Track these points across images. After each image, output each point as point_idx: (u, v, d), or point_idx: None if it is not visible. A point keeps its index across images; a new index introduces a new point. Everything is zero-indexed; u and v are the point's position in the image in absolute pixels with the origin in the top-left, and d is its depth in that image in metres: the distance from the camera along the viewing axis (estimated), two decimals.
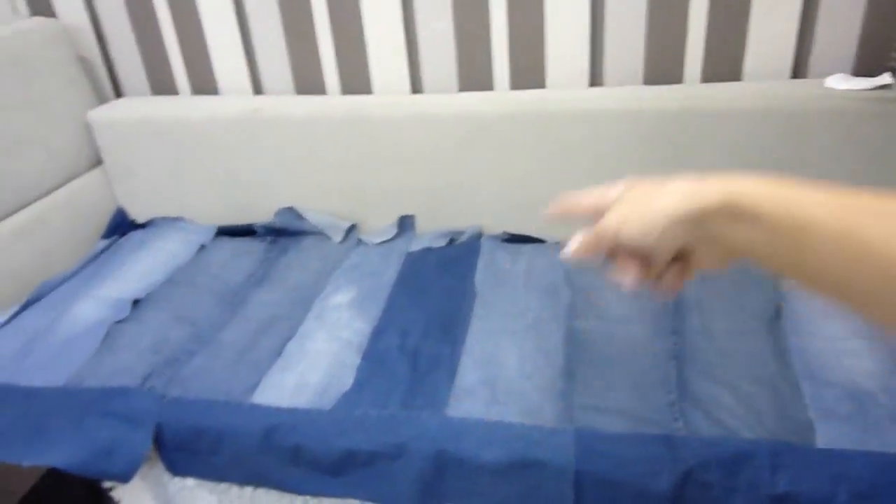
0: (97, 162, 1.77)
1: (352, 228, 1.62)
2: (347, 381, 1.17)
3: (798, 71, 1.44)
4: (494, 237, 1.55)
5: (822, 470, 0.92)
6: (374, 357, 1.22)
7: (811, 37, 1.41)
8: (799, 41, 1.42)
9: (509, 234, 1.55)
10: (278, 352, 1.27)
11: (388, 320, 1.31)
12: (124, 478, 1.12)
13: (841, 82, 1.34)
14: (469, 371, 1.17)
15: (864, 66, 1.41)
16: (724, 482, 0.94)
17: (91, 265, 1.59)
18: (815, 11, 1.38)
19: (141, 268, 1.57)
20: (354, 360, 1.22)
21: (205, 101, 1.72)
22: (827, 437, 0.99)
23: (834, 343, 1.16)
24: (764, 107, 1.35)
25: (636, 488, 0.96)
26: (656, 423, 1.04)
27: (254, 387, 1.19)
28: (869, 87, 1.31)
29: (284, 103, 1.63)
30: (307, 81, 1.70)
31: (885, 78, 1.32)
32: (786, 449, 0.95)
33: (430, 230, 1.59)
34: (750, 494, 0.93)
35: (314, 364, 1.22)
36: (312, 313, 1.36)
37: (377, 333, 1.28)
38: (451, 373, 1.17)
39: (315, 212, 1.64)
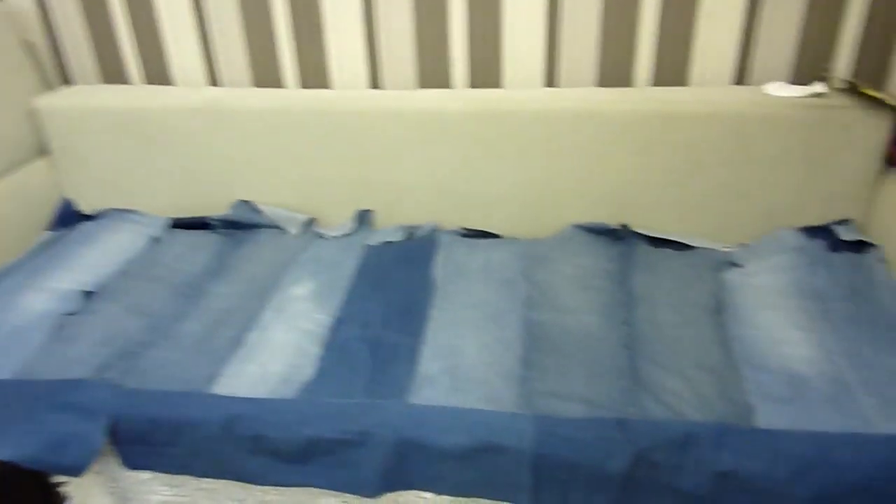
0: (42, 151, 1.72)
1: (309, 222, 1.63)
2: (309, 371, 1.18)
3: (740, 78, 1.53)
4: (451, 232, 1.58)
5: (763, 448, 0.98)
6: (335, 347, 1.23)
7: (752, 46, 1.49)
8: (741, 50, 1.50)
9: (466, 229, 1.58)
10: (237, 343, 1.26)
11: (348, 311, 1.33)
12: (77, 471, 1.10)
13: (779, 90, 1.43)
14: (430, 360, 1.19)
15: (801, 75, 1.50)
16: (672, 461, 0.99)
17: (39, 257, 1.54)
18: (758, 22, 1.47)
19: (92, 259, 1.53)
20: (316, 350, 1.23)
21: (159, 90, 1.69)
22: (766, 418, 1.06)
23: (772, 332, 1.23)
24: (709, 111, 1.42)
25: (592, 470, 1.00)
26: (611, 408, 1.09)
27: (213, 378, 1.19)
28: (804, 94, 1.40)
29: (242, 95, 1.62)
30: (265, 74, 1.69)
31: (819, 86, 1.41)
32: (729, 430, 1.01)
33: (389, 225, 1.61)
34: (696, 472, 0.98)
35: (275, 355, 1.23)
36: (271, 305, 1.36)
37: (338, 324, 1.29)
38: (412, 362, 1.19)
39: (271, 206, 1.63)
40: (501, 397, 1.11)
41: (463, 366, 1.18)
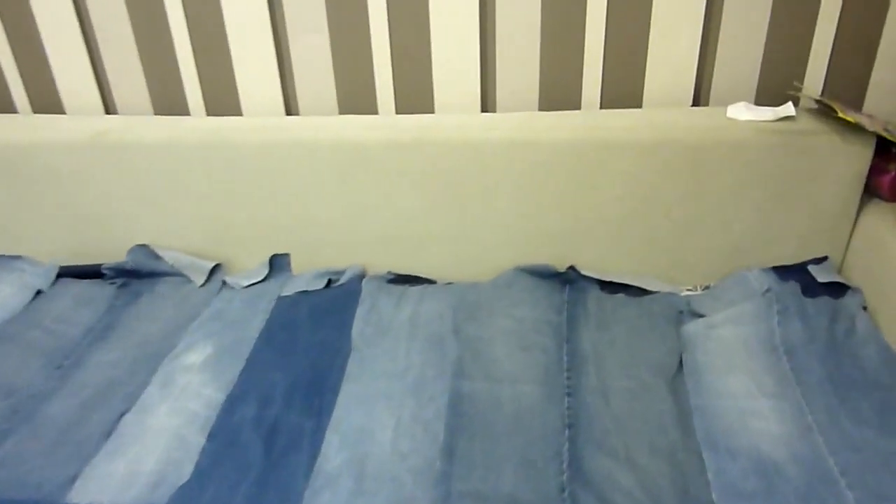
0: None
1: (216, 269, 1.43)
2: (187, 469, 0.99)
3: (699, 98, 1.35)
4: (378, 278, 1.38)
5: None
6: (222, 436, 1.04)
7: (712, 63, 1.32)
8: (699, 67, 1.32)
9: (395, 273, 1.39)
10: (109, 430, 1.06)
11: (245, 385, 1.13)
12: None
13: (743, 112, 1.25)
14: (334, 451, 1.00)
15: (767, 94, 1.32)
16: None
17: None
18: (716, 36, 1.29)
19: None
20: (199, 439, 1.03)
21: (45, 121, 1.48)
22: None
23: (738, 402, 1.05)
24: (662, 138, 1.24)
25: None
26: None
27: (73, 479, 0.98)
28: (772, 118, 1.22)
29: (136, 125, 1.42)
30: (166, 100, 1.49)
31: (789, 108, 1.23)
32: None
33: (307, 270, 1.42)
34: None
35: (150, 447, 1.03)
36: (158, 378, 1.16)
37: (230, 403, 1.10)
38: (313, 454, 1.00)
39: (174, 251, 1.43)
40: (415, 501, 0.92)
41: (372, 457, 0.99)
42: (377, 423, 1.04)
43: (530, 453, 0.98)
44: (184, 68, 1.45)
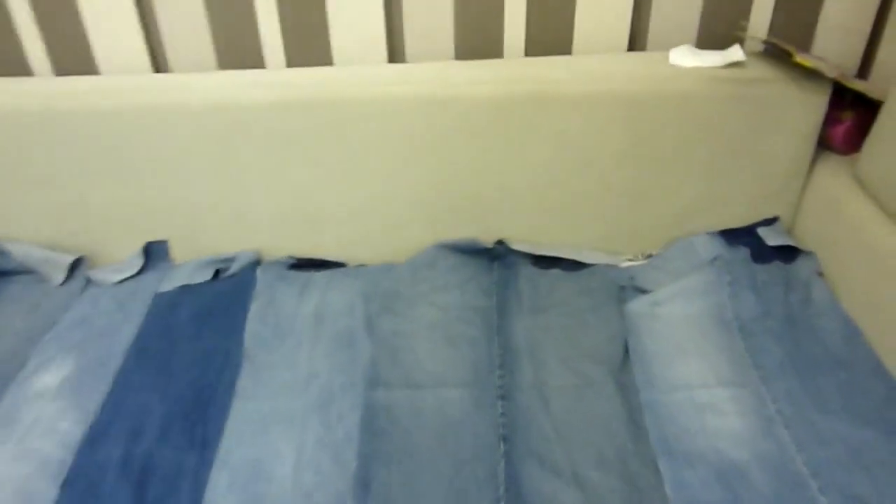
0: None
1: (78, 263, 1.19)
2: None
3: (635, 42, 1.19)
4: (276, 264, 1.18)
5: None
6: (80, 484, 0.83)
7: (649, 1, 1.15)
8: (636, 6, 1.15)
9: (295, 258, 1.20)
10: None
11: (111, 413, 0.92)
12: None
13: (687, 57, 1.10)
14: (221, 494, 0.82)
15: (710, 36, 1.17)
16: None
17: None
18: None
19: None
20: (50, 491, 0.83)
21: None
22: None
23: (692, 394, 0.93)
24: (599, 91, 1.07)
25: None
26: None
27: None
28: (720, 63, 1.07)
29: None
30: (1, 55, 1.21)
31: (737, 52, 1.08)
32: None
33: (190, 259, 1.20)
34: None
35: None
36: (1, 410, 0.94)
37: (93, 439, 0.89)
38: (196, 500, 0.81)
39: (23, 243, 1.18)
40: None
41: (269, 499, 0.81)
42: (275, 453, 0.86)
43: (460, 478, 0.83)
44: (19, 15, 1.17)
